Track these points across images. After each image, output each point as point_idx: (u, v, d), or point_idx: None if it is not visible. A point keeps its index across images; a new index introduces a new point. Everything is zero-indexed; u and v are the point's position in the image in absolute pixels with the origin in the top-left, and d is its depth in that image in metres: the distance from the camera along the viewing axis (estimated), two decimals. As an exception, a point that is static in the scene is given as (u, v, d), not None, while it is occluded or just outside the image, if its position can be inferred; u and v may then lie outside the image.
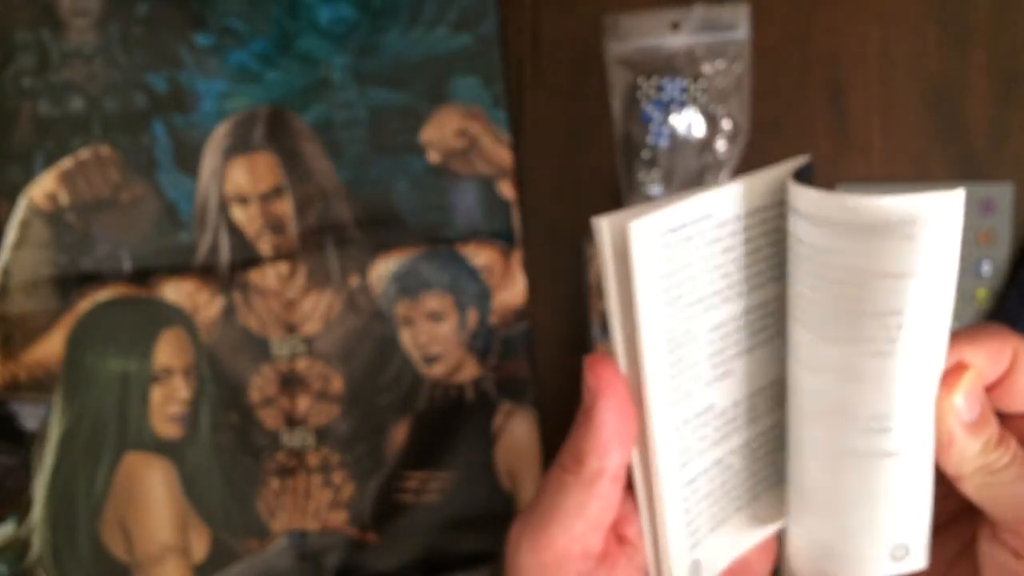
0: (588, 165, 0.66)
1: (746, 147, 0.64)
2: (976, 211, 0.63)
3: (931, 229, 0.31)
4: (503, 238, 0.66)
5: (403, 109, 0.66)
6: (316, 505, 0.67)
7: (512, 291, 0.66)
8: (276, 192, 0.67)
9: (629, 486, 0.38)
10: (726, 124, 0.64)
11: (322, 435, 0.67)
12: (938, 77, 0.64)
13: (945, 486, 0.36)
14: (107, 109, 0.67)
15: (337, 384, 0.67)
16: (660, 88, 0.64)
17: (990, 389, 0.35)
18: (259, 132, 0.67)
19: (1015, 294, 0.62)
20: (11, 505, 0.67)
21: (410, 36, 0.66)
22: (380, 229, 0.67)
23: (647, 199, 0.64)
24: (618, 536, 0.39)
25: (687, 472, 0.37)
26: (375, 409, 0.67)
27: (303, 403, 0.67)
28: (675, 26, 0.64)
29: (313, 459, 0.67)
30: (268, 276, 0.67)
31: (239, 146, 0.67)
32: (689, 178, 0.64)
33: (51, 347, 0.67)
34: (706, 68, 0.64)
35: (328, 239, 0.67)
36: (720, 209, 0.35)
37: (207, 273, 0.67)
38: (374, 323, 0.67)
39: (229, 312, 0.67)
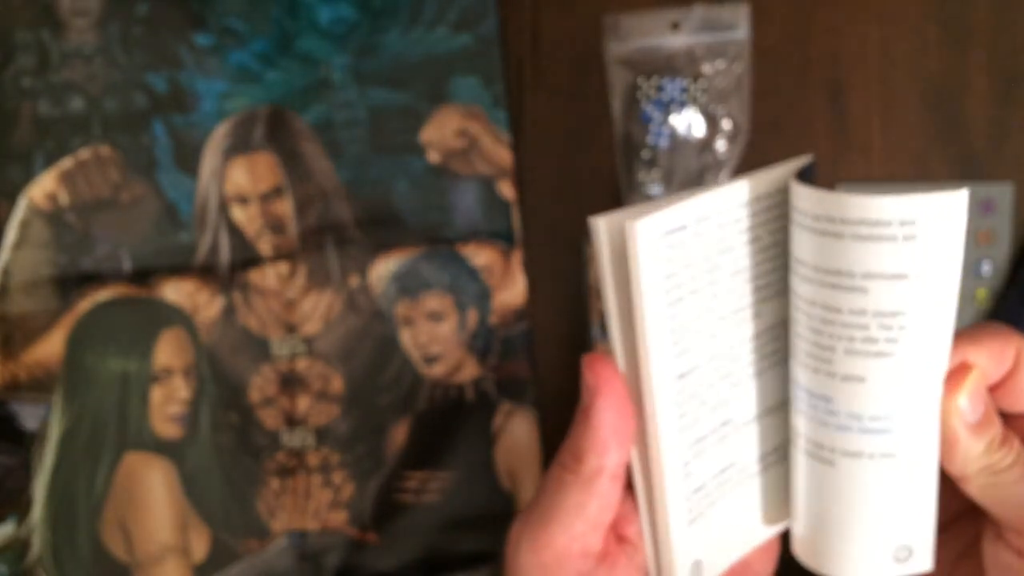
0: (588, 165, 0.66)
1: (746, 147, 0.64)
2: (976, 211, 0.63)
3: (934, 230, 0.31)
4: (503, 238, 0.66)
5: (403, 109, 0.66)
6: (316, 505, 0.67)
7: (512, 291, 0.66)
8: (276, 192, 0.67)
9: (629, 485, 0.38)
10: (726, 124, 0.64)
11: (322, 435, 0.67)
12: (938, 77, 0.64)
13: (948, 486, 0.36)
14: (107, 109, 0.67)
15: (337, 384, 0.67)
16: (660, 88, 0.64)
17: (993, 389, 0.35)
18: (259, 132, 0.67)
19: (1015, 294, 0.62)
20: (11, 505, 0.67)
21: (410, 36, 0.66)
22: (380, 229, 0.67)
23: (647, 199, 0.64)
24: (618, 535, 0.39)
25: (688, 472, 0.37)
26: (375, 409, 0.67)
27: (303, 403, 0.67)
28: (675, 26, 0.64)
29: (313, 459, 0.67)
30: (268, 276, 0.67)
31: (239, 146, 0.67)
32: (689, 178, 0.64)
33: (51, 347, 0.67)
34: (706, 68, 0.64)
35: (328, 239, 0.67)
36: (721, 209, 0.35)
37: (207, 273, 0.67)
38: (374, 323, 0.67)
39: (229, 312, 0.67)
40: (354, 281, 0.67)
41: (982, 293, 0.63)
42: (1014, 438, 0.36)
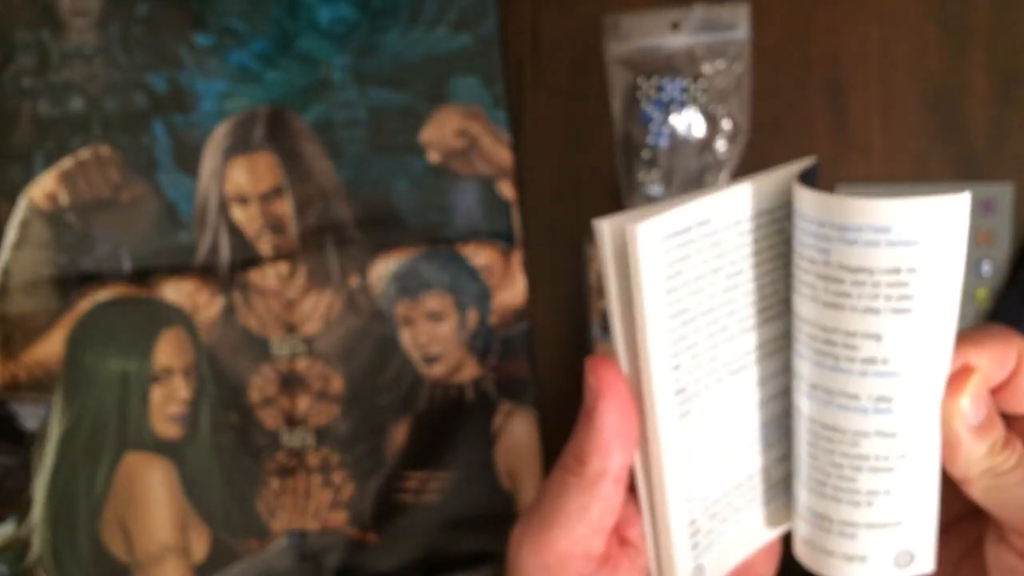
0: (588, 165, 0.66)
1: (746, 147, 0.64)
2: (976, 211, 0.63)
3: (936, 232, 0.31)
4: (503, 238, 0.66)
5: (403, 109, 0.66)
6: (316, 505, 0.67)
7: (512, 291, 0.66)
8: (276, 192, 0.67)
9: (632, 488, 0.38)
10: (726, 124, 0.64)
11: (322, 435, 0.67)
12: (938, 77, 0.64)
13: (950, 488, 0.36)
14: (107, 109, 0.67)
15: (337, 384, 0.67)
16: (660, 88, 0.64)
17: (995, 391, 0.35)
18: (259, 132, 0.67)
19: (1015, 294, 0.62)
20: (11, 505, 0.67)
21: (410, 36, 0.66)
22: (380, 229, 0.67)
23: (647, 199, 0.64)
24: (620, 538, 0.39)
25: (691, 476, 0.37)
26: (375, 409, 0.67)
27: (303, 403, 0.67)
28: (675, 26, 0.64)
29: (313, 459, 0.67)
30: (268, 276, 0.67)
31: (239, 146, 0.67)
32: (689, 178, 0.64)
33: (51, 347, 0.67)
34: (706, 68, 0.64)
35: (328, 239, 0.67)
36: (724, 212, 0.35)
37: (207, 273, 0.67)
38: (374, 323, 0.67)
39: (229, 312, 0.67)
40: (354, 281, 0.67)
41: (982, 293, 0.64)
42: (1016, 440, 0.36)
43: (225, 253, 0.67)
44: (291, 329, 0.67)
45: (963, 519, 0.40)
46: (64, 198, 0.67)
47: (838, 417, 0.35)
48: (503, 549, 0.39)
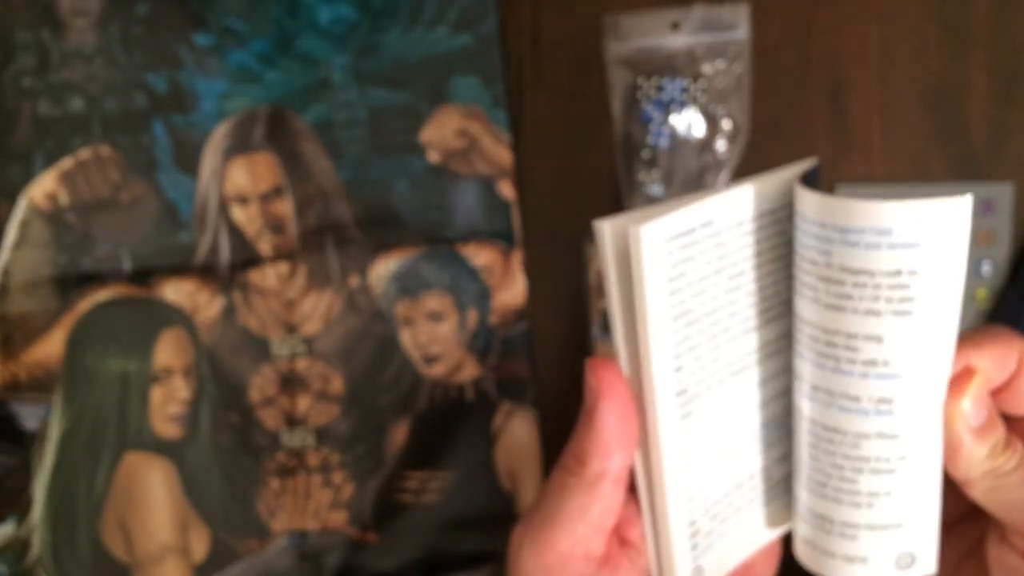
0: (588, 165, 0.66)
1: (746, 147, 0.64)
2: (976, 211, 0.63)
3: (938, 235, 0.31)
4: (503, 238, 0.66)
5: (403, 109, 0.66)
6: (316, 505, 0.67)
7: (512, 291, 0.66)
8: (276, 192, 0.67)
9: (632, 489, 0.38)
10: (726, 124, 0.64)
11: (322, 435, 0.67)
12: (938, 77, 0.64)
13: (951, 489, 0.36)
14: (107, 109, 0.67)
15: (337, 384, 0.67)
16: (660, 88, 0.64)
17: (996, 393, 0.35)
18: (259, 132, 0.67)
19: (1015, 294, 0.62)
20: (11, 505, 0.67)
21: (410, 36, 0.66)
22: (380, 229, 0.67)
23: (647, 199, 0.64)
24: (620, 539, 0.39)
25: (692, 476, 0.37)
26: (375, 409, 0.67)
27: (303, 403, 0.67)
28: (675, 26, 0.64)
29: (313, 459, 0.67)
30: (268, 276, 0.67)
31: (239, 146, 0.67)
32: (689, 178, 0.64)
33: (51, 347, 0.67)
34: (706, 68, 0.64)
35: (328, 239, 0.67)
36: (726, 214, 0.35)
37: (207, 273, 0.67)
38: (374, 323, 0.67)
39: (229, 312, 0.67)
40: (354, 281, 0.67)
41: (982, 293, 0.64)
42: (1017, 442, 0.36)
43: (225, 253, 0.67)
44: (291, 329, 0.67)
45: (964, 520, 0.40)
46: (64, 198, 0.67)
47: (839, 419, 0.35)
48: (503, 549, 0.39)
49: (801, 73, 0.65)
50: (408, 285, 0.66)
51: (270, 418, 0.67)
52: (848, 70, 0.65)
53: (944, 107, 0.64)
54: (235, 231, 0.67)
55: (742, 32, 0.63)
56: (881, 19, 0.64)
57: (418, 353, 0.67)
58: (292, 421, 0.67)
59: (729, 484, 0.39)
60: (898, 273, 0.32)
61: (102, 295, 0.67)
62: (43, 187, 0.67)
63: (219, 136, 0.67)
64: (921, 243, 0.31)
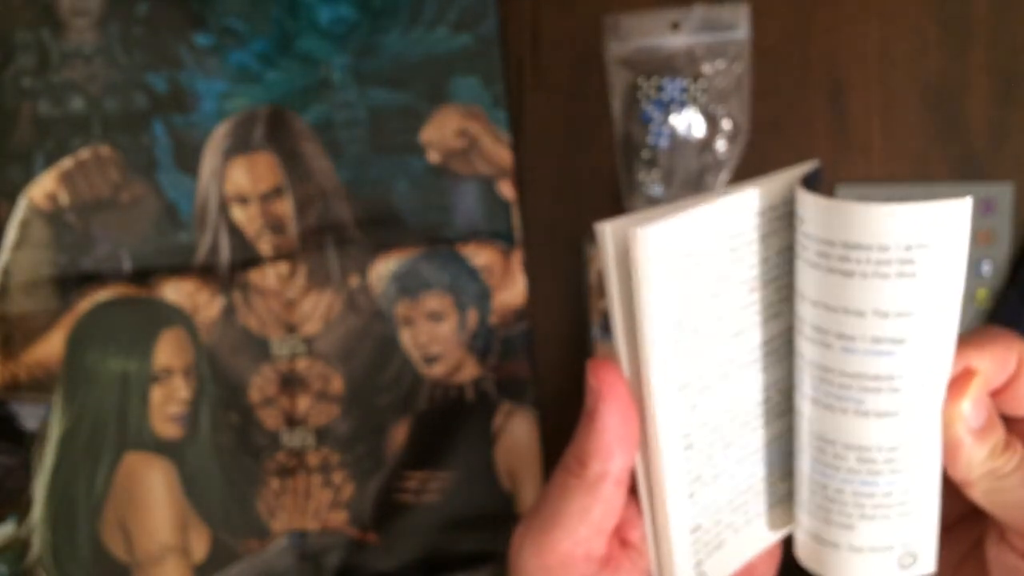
0: (588, 165, 0.66)
1: (746, 147, 0.64)
2: (976, 211, 0.63)
3: (937, 237, 0.31)
4: (503, 238, 0.66)
5: (403, 109, 0.66)
6: (316, 505, 0.67)
7: (512, 291, 0.66)
8: (276, 192, 0.67)
9: (633, 490, 0.38)
10: (726, 124, 0.64)
11: (322, 435, 0.67)
12: (938, 77, 0.64)
13: (950, 489, 0.36)
14: (107, 109, 0.67)
15: (337, 384, 0.67)
16: (660, 88, 0.64)
17: (995, 394, 0.35)
18: (259, 132, 0.67)
19: (1015, 294, 0.62)
20: (11, 505, 0.67)
21: (410, 36, 0.66)
22: (380, 229, 0.67)
23: (647, 199, 0.64)
24: (622, 540, 0.39)
25: (693, 480, 0.37)
26: (375, 409, 0.67)
27: (303, 403, 0.67)
28: (675, 26, 0.64)
29: (313, 459, 0.67)
30: (268, 276, 0.67)
31: (239, 146, 0.67)
32: (689, 178, 0.64)
33: (51, 347, 0.67)
34: (706, 68, 0.64)
35: (328, 239, 0.67)
36: (727, 216, 0.35)
37: (207, 273, 0.67)
38: (374, 323, 0.67)
39: (229, 312, 0.67)
40: (354, 281, 0.67)
41: (982, 293, 0.64)
42: (1016, 442, 0.36)
43: (225, 253, 0.67)
44: (291, 329, 0.67)
45: (964, 519, 0.40)
46: (64, 198, 0.67)
47: (839, 421, 0.35)
48: (503, 549, 0.39)
49: (801, 73, 0.65)
50: (408, 285, 0.66)
51: (270, 418, 0.67)
52: (848, 70, 0.65)
53: (944, 107, 0.64)
54: (235, 231, 0.67)
55: (742, 32, 0.63)
56: (881, 19, 0.64)
57: (418, 353, 0.67)
58: (292, 421, 0.67)
59: (730, 485, 0.39)
60: (898, 273, 0.32)
61: (102, 295, 0.67)
62: (43, 187, 0.67)
63: (219, 136, 0.67)
64: (921, 246, 0.31)
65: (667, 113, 0.64)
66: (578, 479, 0.37)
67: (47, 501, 0.67)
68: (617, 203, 0.66)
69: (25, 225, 0.67)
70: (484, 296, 0.66)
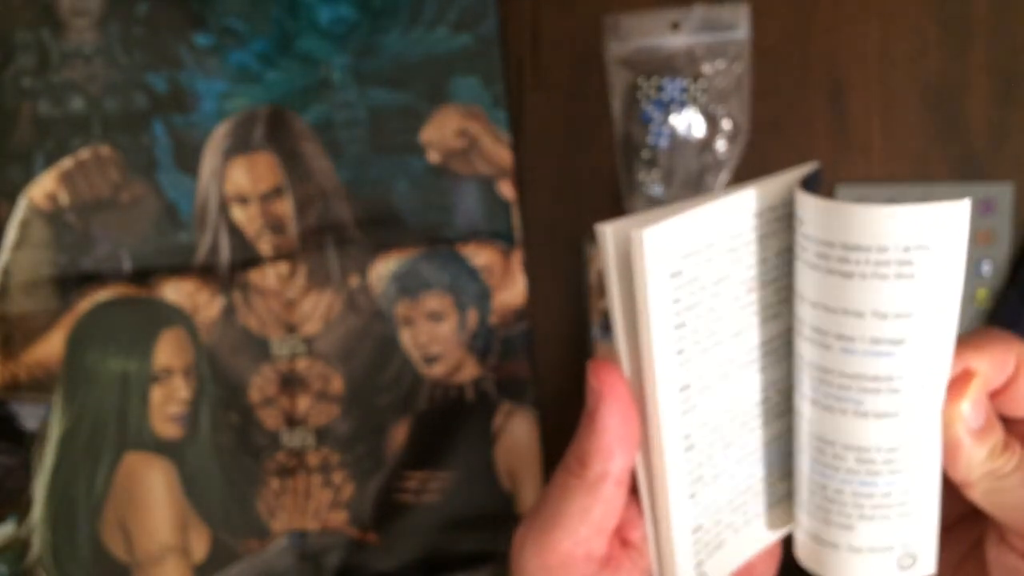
0: (588, 165, 0.66)
1: (746, 147, 0.64)
2: (976, 211, 0.63)
3: (937, 238, 0.31)
4: (503, 238, 0.66)
5: (403, 109, 0.66)
6: (316, 505, 0.67)
7: (512, 291, 0.66)
8: (276, 192, 0.67)
9: (634, 490, 0.38)
10: (726, 124, 0.64)
11: (322, 435, 0.67)
12: (938, 77, 0.64)
13: (950, 489, 0.36)
14: (107, 109, 0.67)
15: (337, 384, 0.67)
16: (660, 88, 0.64)
17: (994, 395, 0.36)
18: (259, 132, 0.67)
19: (1015, 294, 0.62)
20: (11, 505, 0.67)
21: (410, 36, 0.66)
22: (380, 229, 0.67)
23: (647, 199, 0.65)
24: (622, 540, 0.39)
25: (694, 480, 0.37)
26: (375, 409, 0.67)
27: (303, 403, 0.67)
28: (675, 26, 0.64)
29: (313, 459, 0.67)
30: (268, 276, 0.67)
31: (239, 146, 0.67)
32: (689, 178, 0.64)
33: (51, 347, 0.67)
34: (706, 68, 0.64)
35: (328, 239, 0.67)
36: (727, 217, 0.35)
37: (207, 273, 0.67)
38: (374, 323, 0.67)
39: (229, 312, 0.67)
40: (354, 281, 0.67)
41: (982, 293, 0.64)
42: (1015, 443, 0.36)
43: (225, 253, 0.67)
44: (291, 329, 0.67)
45: (963, 520, 0.40)
46: (64, 198, 0.67)
47: (839, 422, 0.35)
48: (503, 549, 0.39)
49: (801, 73, 0.65)
50: (408, 285, 0.66)
51: (270, 418, 0.67)
52: (848, 70, 0.65)
53: (944, 107, 0.64)
54: (235, 231, 0.67)
55: (742, 32, 0.63)
56: (881, 19, 0.64)
57: (418, 353, 0.67)
58: (292, 421, 0.67)
59: (730, 485, 0.39)
60: (897, 274, 0.32)
61: (102, 295, 0.67)
62: (43, 187, 0.67)
63: (219, 136, 0.67)
64: (920, 247, 0.31)
65: (667, 113, 0.64)
66: (579, 479, 0.37)
67: (47, 501, 0.67)
68: (617, 203, 0.66)
69: (25, 225, 0.67)
70: (484, 296, 0.66)
